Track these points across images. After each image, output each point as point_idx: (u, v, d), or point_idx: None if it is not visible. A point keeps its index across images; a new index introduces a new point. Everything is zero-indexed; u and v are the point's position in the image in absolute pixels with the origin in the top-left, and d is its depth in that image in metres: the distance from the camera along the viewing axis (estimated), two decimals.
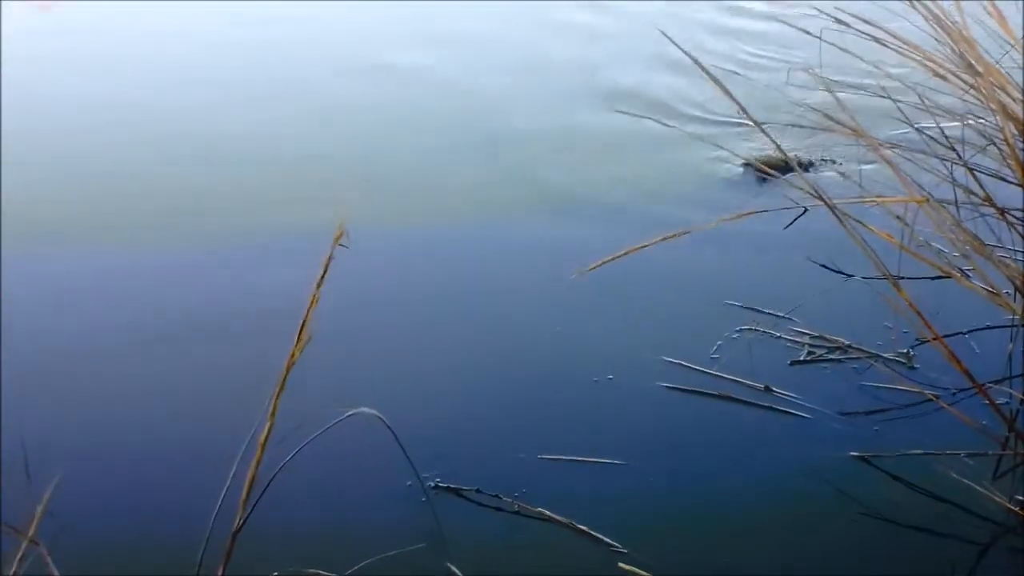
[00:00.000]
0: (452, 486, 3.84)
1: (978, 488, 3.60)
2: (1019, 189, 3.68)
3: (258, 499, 2.88)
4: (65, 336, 4.85)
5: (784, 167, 5.19)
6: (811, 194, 3.21)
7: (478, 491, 3.83)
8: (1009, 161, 2.93)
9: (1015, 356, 3.99)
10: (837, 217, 3.07)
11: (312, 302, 2.64)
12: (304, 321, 2.64)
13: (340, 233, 2.60)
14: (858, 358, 4.41)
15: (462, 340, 4.81)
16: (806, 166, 5.73)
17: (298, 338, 2.63)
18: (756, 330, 4.68)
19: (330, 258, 2.62)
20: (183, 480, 3.96)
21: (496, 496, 3.80)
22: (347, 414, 3.35)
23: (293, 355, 2.62)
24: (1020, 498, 3.58)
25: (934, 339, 3.17)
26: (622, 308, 4.97)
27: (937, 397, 3.91)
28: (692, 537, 3.67)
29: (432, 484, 3.86)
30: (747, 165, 5.81)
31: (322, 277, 2.61)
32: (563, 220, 5.83)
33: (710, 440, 4.14)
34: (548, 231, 5.73)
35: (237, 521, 2.84)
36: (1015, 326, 3.84)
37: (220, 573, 2.89)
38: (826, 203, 3.07)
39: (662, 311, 4.95)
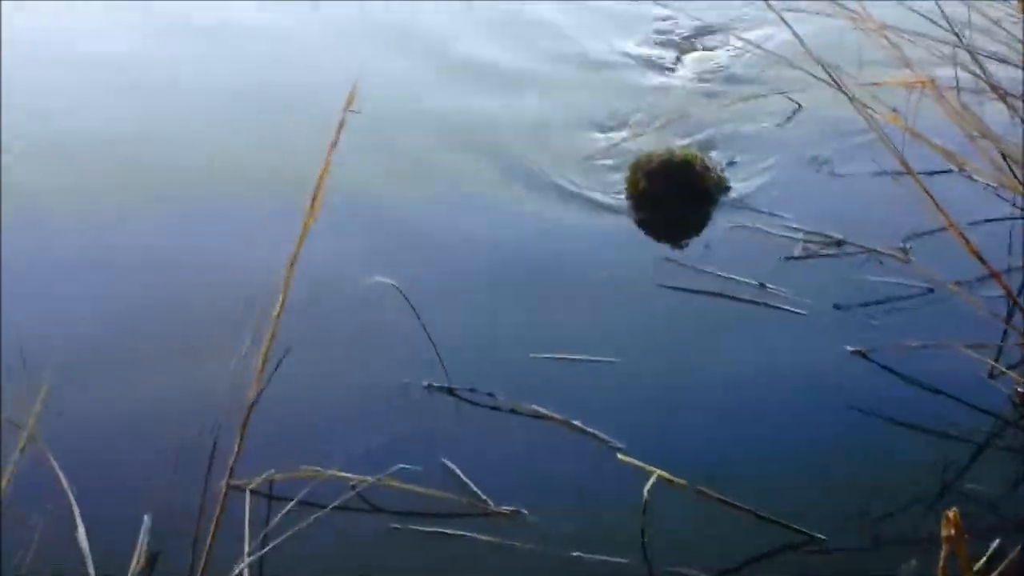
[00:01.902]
0: (446, 386, 3.76)
1: (977, 379, 3.56)
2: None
3: (273, 372, 2.79)
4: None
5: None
6: (813, 75, 3.10)
7: (472, 390, 3.75)
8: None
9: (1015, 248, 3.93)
10: (845, 93, 2.96)
11: (325, 168, 2.52)
12: (318, 187, 2.52)
13: (352, 97, 2.48)
14: (854, 253, 4.34)
15: (450, 243, 4.71)
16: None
17: (312, 204, 2.52)
18: (748, 227, 4.61)
19: (343, 122, 2.50)
20: (193, 360, 3.89)
21: (490, 395, 3.72)
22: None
23: (307, 223, 2.51)
24: (1020, 389, 3.52)
25: (950, 227, 3.08)
26: (613, 209, 4.90)
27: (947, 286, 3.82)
28: (688, 432, 3.61)
29: (425, 384, 3.78)
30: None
31: (335, 142, 2.49)
32: None
33: (704, 337, 4.08)
34: None
35: (251, 394, 2.75)
36: (1018, 218, 3.77)
37: (236, 448, 2.81)
38: (833, 79, 2.96)
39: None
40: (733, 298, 4.19)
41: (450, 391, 3.75)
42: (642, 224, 4.78)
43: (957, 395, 3.60)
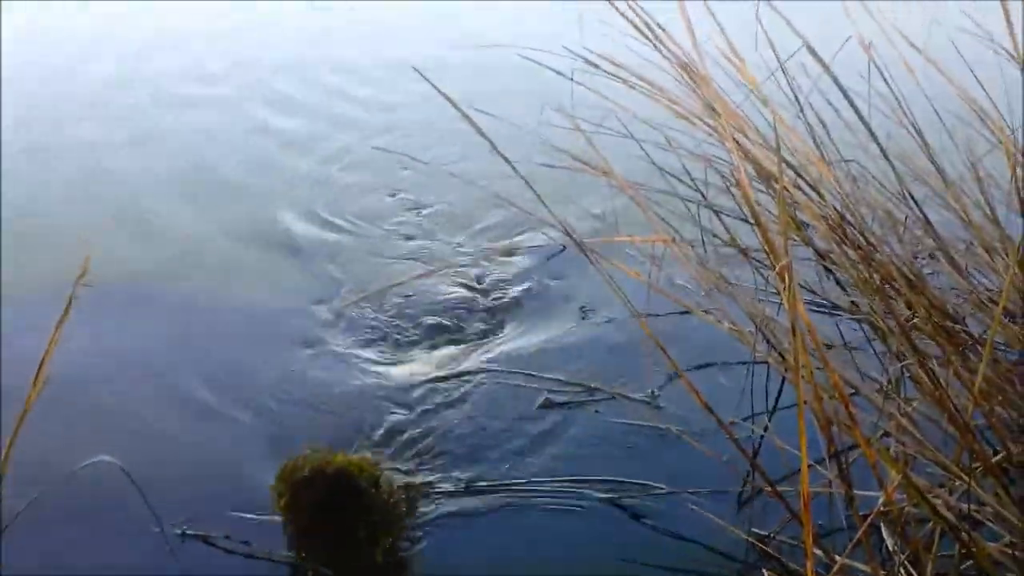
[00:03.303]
0: (200, 533, 3.70)
1: (721, 524, 3.67)
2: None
3: None
4: None
5: None
6: (563, 232, 3.23)
7: (227, 537, 3.69)
8: (742, 203, 3.03)
9: (756, 392, 4.09)
10: (586, 255, 3.10)
11: (50, 345, 2.47)
12: (41, 365, 2.46)
13: (83, 272, 2.44)
14: (605, 400, 4.48)
15: (199, 389, 4.68)
16: None
17: (34, 383, 2.44)
18: (503, 371, 4.71)
19: (71, 298, 2.46)
20: None
21: (245, 542, 3.67)
22: (84, 464, 3.20)
23: (28, 400, 2.44)
24: (758, 531, 3.65)
25: (678, 374, 3.23)
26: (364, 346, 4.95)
27: (684, 432, 3.98)
28: None
29: (179, 532, 3.71)
30: None
31: (63, 318, 2.44)
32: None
33: None
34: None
35: None
36: (755, 363, 3.95)
37: None
38: (575, 242, 3.09)
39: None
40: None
41: (205, 539, 3.69)
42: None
43: (701, 538, 3.70)
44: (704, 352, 4.38)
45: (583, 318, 5.17)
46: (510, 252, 5.89)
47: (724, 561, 3.62)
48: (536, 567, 3.66)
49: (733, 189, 3.75)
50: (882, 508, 2.79)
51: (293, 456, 3.67)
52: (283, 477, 3.64)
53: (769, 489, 3.57)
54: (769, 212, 3.14)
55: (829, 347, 3.22)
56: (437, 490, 3.99)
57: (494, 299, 5.47)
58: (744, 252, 3.95)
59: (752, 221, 2.65)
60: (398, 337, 5.08)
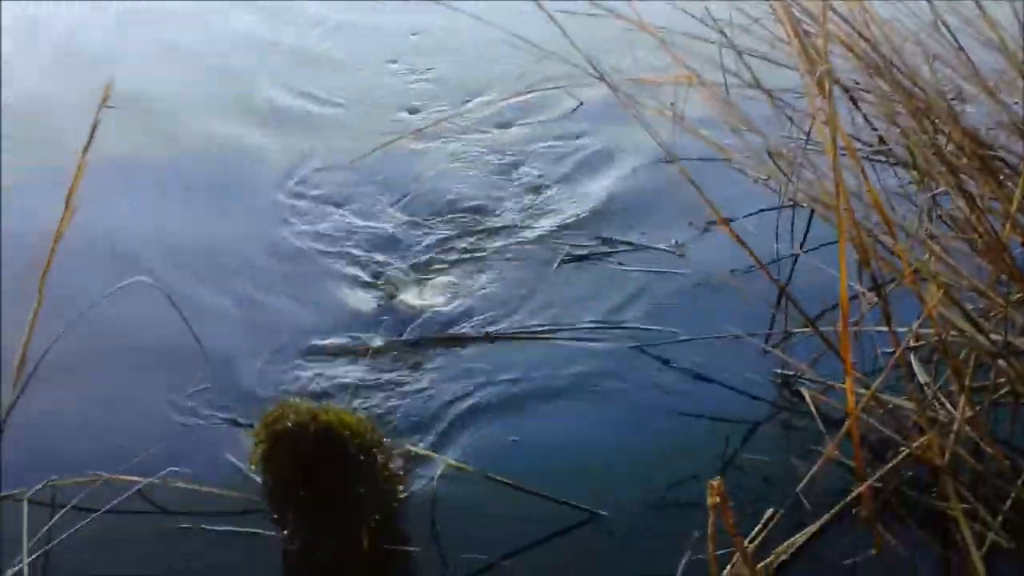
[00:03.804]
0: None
1: (746, 365, 3.69)
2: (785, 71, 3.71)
3: (27, 380, 2.73)
4: None
5: None
6: (591, 74, 3.18)
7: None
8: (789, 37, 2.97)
9: (782, 236, 4.08)
10: (614, 90, 3.05)
11: (79, 171, 2.46)
12: (71, 190, 2.46)
13: (106, 96, 2.43)
14: (628, 252, 4.47)
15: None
16: None
17: (65, 207, 2.45)
18: (522, 227, 4.71)
19: (97, 122, 2.45)
20: None
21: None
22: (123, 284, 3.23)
23: (61, 225, 2.44)
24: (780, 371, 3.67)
25: (719, 219, 3.21)
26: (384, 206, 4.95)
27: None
28: (477, 427, 3.64)
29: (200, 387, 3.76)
30: None
31: (88, 143, 2.44)
32: None
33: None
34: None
35: (5, 409, 2.69)
36: (784, 207, 3.92)
37: None
38: (604, 80, 3.05)
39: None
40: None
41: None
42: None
43: (728, 381, 3.73)
44: (729, 198, 4.34)
45: (606, 170, 5.13)
46: (515, 121, 5.76)
47: (754, 402, 3.64)
48: (561, 413, 3.69)
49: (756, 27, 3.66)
50: (918, 335, 2.79)
51: (279, 401, 3.24)
52: (265, 423, 3.12)
53: (797, 330, 3.60)
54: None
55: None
56: (462, 333, 4.03)
57: (509, 158, 5.38)
58: (769, 93, 3.88)
59: (785, 27, 2.58)
60: (412, 198, 5.03)
